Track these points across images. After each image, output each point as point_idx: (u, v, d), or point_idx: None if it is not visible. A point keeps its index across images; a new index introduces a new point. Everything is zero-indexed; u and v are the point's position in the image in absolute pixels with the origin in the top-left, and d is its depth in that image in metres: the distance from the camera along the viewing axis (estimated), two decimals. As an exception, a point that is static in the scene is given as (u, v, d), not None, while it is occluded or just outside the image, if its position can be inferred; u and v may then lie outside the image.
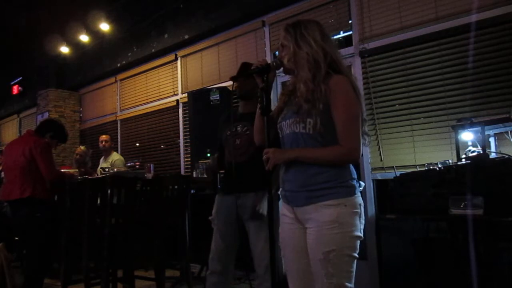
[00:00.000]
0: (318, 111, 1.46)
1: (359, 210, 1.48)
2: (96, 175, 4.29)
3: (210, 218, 2.41)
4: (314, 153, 1.49)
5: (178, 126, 5.11)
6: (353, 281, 1.46)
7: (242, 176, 2.20)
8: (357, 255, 1.47)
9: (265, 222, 2.19)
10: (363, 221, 1.50)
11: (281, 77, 3.95)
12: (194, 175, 3.97)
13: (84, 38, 6.12)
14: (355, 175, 1.53)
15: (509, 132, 2.49)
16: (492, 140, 2.62)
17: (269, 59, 4.04)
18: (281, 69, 1.61)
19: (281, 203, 1.66)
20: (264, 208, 2.20)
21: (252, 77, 2.28)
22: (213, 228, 2.37)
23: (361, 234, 1.48)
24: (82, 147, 4.92)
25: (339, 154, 1.46)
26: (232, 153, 2.30)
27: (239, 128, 2.33)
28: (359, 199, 1.50)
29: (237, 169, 2.22)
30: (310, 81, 1.47)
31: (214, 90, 4.06)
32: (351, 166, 1.54)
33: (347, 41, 3.70)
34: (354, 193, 1.49)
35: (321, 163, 1.48)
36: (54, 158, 3.48)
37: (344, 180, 1.48)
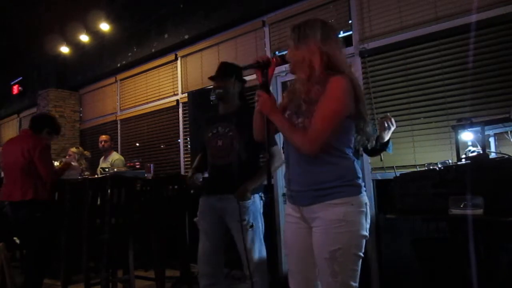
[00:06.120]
0: (314, 111, 1.46)
1: (365, 209, 1.49)
2: (89, 174, 4.28)
3: (195, 219, 2.41)
4: (286, 129, 1.50)
5: (178, 126, 5.11)
6: (357, 280, 1.46)
7: (223, 178, 2.19)
8: (362, 255, 1.47)
9: (248, 223, 2.19)
10: (368, 220, 1.51)
11: (281, 77, 3.95)
12: (194, 175, 3.96)
13: (84, 38, 6.12)
14: (360, 174, 1.53)
15: (509, 132, 2.49)
16: (492, 140, 2.61)
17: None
18: (281, 66, 1.62)
19: (281, 201, 1.66)
20: (251, 218, 2.19)
21: (228, 79, 2.32)
22: (199, 229, 2.37)
23: (367, 233, 1.49)
24: (73, 149, 4.94)
25: (300, 140, 1.46)
26: (215, 155, 2.31)
27: (220, 129, 2.32)
28: (365, 198, 1.51)
29: (219, 171, 2.23)
30: (306, 82, 1.49)
31: (214, 90, 4.05)
32: (356, 165, 1.54)
33: (347, 41, 3.69)
34: (360, 192, 1.50)
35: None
36: (54, 158, 3.47)
37: (351, 179, 1.49)
